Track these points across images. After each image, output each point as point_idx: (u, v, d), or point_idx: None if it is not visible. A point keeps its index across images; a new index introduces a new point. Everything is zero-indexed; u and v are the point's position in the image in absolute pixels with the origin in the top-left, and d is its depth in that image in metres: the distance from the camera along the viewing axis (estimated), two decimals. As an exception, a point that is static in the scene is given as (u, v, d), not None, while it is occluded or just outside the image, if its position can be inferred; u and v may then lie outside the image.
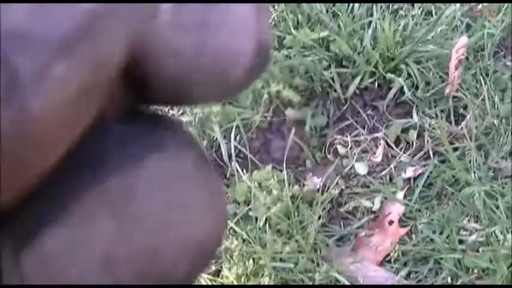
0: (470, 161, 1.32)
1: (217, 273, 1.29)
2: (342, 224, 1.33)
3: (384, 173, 1.36)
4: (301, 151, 1.39)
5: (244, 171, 1.37)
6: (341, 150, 1.39)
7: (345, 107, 1.42)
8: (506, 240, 1.23)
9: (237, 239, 1.30)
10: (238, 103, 1.40)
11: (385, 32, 1.41)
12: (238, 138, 1.40)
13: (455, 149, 1.35)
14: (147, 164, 0.16)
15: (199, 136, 1.40)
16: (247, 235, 1.29)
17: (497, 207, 1.26)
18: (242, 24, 0.16)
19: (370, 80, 1.42)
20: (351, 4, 1.48)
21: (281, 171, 1.35)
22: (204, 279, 1.27)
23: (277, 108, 1.41)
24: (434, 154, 1.35)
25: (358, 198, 1.34)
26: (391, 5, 1.49)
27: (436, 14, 1.48)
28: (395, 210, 1.31)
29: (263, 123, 1.41)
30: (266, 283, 1.24)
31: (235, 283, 1.25)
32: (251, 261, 1.26)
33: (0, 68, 0.13)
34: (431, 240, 1.27)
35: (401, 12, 1.49)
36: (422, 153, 1.36)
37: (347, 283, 1.22)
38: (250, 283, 1.24)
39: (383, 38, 1.41)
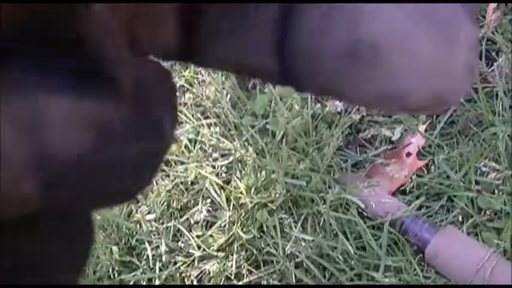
0: (496, 104, 1.30)
1: (228, 182, 1.27)
2: (358, 150, 1.32)
3: (407, 105, 1.34)
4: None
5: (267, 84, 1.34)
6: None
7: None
8: (524, 185, 1.21)
9: (251, 150, 1.28)
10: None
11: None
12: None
13: (484, 90, 1.32)
14: None
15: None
16: (262, 148, 1.27)
17: (519, 152, 1.24)
18: None
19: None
20: None
21: (304, 89, 1.32)
22: (215, 183, 1.26)
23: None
24: (461, 92, 1.33)
25: (378, 126, 1.32)
26: None
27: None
28: (415, 142, 1.28)
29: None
30: (277, 196, 1.22)
31: (244, 194, 1.23)
32: (263, 173, 1.24)
33: None
34: (448, 176, 1.25)
35: None
36: (449, 90, 1.34)
37: (361, 205, 1.20)
38: (259, 195, 1.23)
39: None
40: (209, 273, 1.21)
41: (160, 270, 1.23)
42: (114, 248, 1.26)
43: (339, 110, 1.32)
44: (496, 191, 1.23)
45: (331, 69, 0.16)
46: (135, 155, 0.17)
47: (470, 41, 0.16)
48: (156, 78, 0.18)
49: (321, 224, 1.21)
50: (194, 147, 1.33)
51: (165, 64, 0.19)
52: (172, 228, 1.26)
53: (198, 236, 1.24)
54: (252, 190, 1.24)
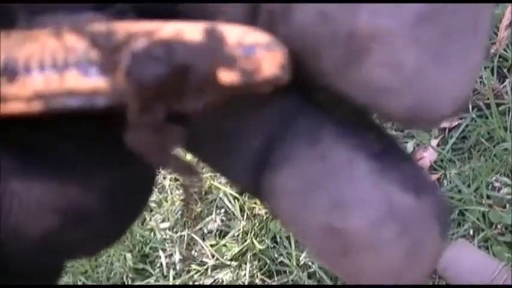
0: (506, 121, 1.32)
1: (242, 192, 1.28)
2: (371, 163, 1.33)
3: (419, 120, 1.35)
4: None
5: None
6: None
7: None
8: (535, 201, 1.23)
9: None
10: None
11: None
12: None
13: (496, 106, 1.34)
14: None
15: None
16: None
17: (530, 168, 1.26)
18: None
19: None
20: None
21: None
22: (229, 194, 1.27)
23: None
24: (473, 108, 1.35)
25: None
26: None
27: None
28: (428, 156, 1.30)
29: None
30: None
31: (258, 204, 1.24)
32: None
33: None
34: (459, 191, 1.27)
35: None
36: (461, 105, 1.35)
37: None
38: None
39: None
40: (222, 282, 1.22)
41: (173, 278, 1.24)
42: (128, 255, 1.27)
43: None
44: (507, 206, 1.24)
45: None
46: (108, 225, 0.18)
47: None
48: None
49: (333, 235, 1.22)
50: (208, 158, 1.35)
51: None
52: (186, 236, 1.27)
53: (211, 245, 1.25)
54: (266, 200, 1.25)
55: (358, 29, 0.15)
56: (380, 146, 0.16)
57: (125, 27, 0.15)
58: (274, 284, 1.20)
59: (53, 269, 0.19)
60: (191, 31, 0.15)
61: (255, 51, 0.15)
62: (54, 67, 0.15)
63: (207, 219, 1.28)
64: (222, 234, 1.27)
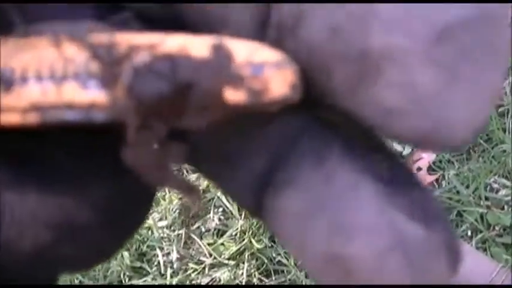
0: (505, 122, 1.32)
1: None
2: (369, 163, 1.33)
3: (418, 120, 1.35)
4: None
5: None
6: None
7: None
8: (533, 202, 1.22)
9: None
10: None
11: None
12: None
13: (495, 107, 1.34)
14: None
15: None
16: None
17: (528, 170, 1.25)
18: None
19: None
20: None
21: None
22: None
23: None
24: (472, 109, 1.34)
25: (389, 141, 1.33)
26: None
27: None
28: (426, 157, 1.30)
29: None
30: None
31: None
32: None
33: None
34: (458, 192, 1.26)
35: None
36: (460, 107, 1.35)
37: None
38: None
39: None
40: (220, 281, 1.22)
41: (171, 276, 1.24)
42: (125, 254, 1.26)
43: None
44: (505, 207, 1.24)
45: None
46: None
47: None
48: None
49: (331, 235, 1.22)
50: (207, 156, 1.34)
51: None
52: (183, 235, 1.27)
53: (209, 244, 1.25)
54: (264, 200, 1.25)
55: (371, 47, 0.14)
56: (388, 169, 0.16)
57: (127, 39, 0.15)
58: (272, 283, 1.20)
59: (47, 280, 0.19)
60: (197, 46, 0.14)
61: (263, 70, 0.14)
62: (52, 78, 0.15)
63: (205, 217, 1.27)
64: (219, 233, 1.27)
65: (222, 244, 1.24)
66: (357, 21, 0.14)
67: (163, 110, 0.15)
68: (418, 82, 0.14)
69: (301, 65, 0.15)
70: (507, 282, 1.12)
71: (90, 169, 0.17)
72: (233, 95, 0.14)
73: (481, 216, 1.23)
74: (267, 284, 1.20)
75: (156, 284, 1.23)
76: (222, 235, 1.26)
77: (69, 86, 0.15)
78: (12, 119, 0.15)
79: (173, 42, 0.15)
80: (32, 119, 0.15)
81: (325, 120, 0.16)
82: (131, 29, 0.16)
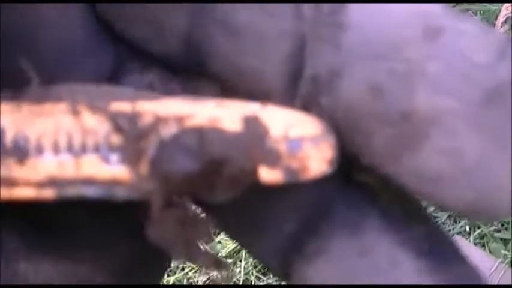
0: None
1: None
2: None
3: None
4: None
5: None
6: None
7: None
8: (531, 198, 1.22)
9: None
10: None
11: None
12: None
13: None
14: None
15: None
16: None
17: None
18: None
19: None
20: None
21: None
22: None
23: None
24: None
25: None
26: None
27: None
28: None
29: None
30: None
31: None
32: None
33: None
34: (455, 187, 1.26)
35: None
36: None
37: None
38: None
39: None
40: (217, 279, 1.21)
41: (168, 275, 1.23)
42: (122, 253, 1.26)
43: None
44: (503, 203, 1.24)
45: None
46: None
47: None
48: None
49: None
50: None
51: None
52: (180, 233, 1.26)
53: (206, 242, 1.24)
54: (261, 197, 1.24)
55: (415, 109, 0.13)
56: (429, 242, 0.15)
57: (152, 108, 0.14)
58: (270, 281, 1.20)
59: None
60: (229, 118, 0.13)
61: (301, 146, 0.13)
62: (70, 150, 0.14)
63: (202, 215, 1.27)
64: (216, 231, 1.26)
65: (219, 242, 1.23)
66: (400, 79, 0.13)
67: (191, 187, 0.14)
68: (465, 149, 0.13)
69: (337, 124, 0.14)
70: (506, 278, 1.12)
71: (108, 230, 0.16)
72: (268, 174, 0.13)
73: (479, 212, 1.23)
74: (264, 282, 1.20)
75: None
76: (219, 233, 1.25)
77: (88, 160, 0.14)
78: (26, 193, 0.14)
79: (203, 114, 0.13)
80: (48, 194, 0.14)
81: (360, 183, 0.15)
82: (156, 94, 0.14)
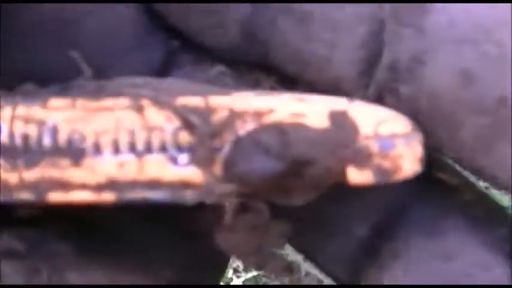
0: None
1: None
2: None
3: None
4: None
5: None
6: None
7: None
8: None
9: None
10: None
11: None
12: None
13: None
14: None
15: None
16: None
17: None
18: None
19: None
20: None
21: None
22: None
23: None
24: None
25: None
26: None
27: None
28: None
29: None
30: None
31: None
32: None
33: None
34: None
35: None
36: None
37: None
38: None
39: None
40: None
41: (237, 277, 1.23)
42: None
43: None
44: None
45: None
46: None
47: None
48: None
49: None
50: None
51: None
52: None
53: (278, 248, 1.24)
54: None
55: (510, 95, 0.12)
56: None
57: (226, 103, 0.12)
58: (276, 283, 1.19)
59: None
60: (313, 114, 0.12)
61: (395, 145, 0.12)
62: (133, 149, 0.13)
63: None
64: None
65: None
66: (492, 64, 0.12)
67: (268, 189, 0.12)
68: None
69: (419, 114, 0.13)
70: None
71: (161, 235, 0.15)
72: (357, 175, 0.12)
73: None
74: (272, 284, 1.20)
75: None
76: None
77: (153, 160, 0.13)
78: (81, 197, 0.13)
79: (284, 109, 0.12)
80: (107, 198, 0.13)
81: (438, 181, 0.14)
82: (227, 86, 0.13)
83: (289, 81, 0.14)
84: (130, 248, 0.15)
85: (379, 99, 0.13)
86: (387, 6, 0.13)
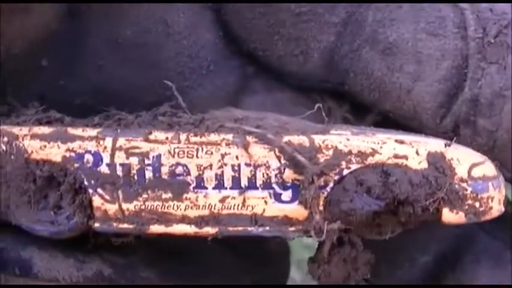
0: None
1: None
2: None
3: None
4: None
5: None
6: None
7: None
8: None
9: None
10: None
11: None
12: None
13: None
14: None
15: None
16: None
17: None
18: None
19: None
20: None
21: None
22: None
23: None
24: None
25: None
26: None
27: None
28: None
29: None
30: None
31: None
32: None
33: None
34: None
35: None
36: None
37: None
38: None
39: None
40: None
41: None
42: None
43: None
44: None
45: None
46: None
47: None
48: None
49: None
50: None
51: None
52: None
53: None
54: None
55: None
56: None
57: (332, 144, 0.13)
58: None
59: None
60: (413, 155, 0.13)
61: (487, 188, 0.13)
62: (237, 185, 0.13)
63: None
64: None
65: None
66: None
67: (364, 225, 0.13)
68: None
69: (495, 147, 0.14)
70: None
71: (235, 261, 0.16)
72: (451, 216, 0.13)
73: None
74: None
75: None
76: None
77: (257, 196, 0.13)
78: (182, 230, 0.13)
79: (386, 149, 0.13)
80: (208, 232, 0.13)
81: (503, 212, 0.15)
82: (323, 125, 0.14)
83: (362, 110, 0.15)
84: (209, 274, 0.16)
85: (453, 130, 0.14)
86: (472, 43, 0.13)
